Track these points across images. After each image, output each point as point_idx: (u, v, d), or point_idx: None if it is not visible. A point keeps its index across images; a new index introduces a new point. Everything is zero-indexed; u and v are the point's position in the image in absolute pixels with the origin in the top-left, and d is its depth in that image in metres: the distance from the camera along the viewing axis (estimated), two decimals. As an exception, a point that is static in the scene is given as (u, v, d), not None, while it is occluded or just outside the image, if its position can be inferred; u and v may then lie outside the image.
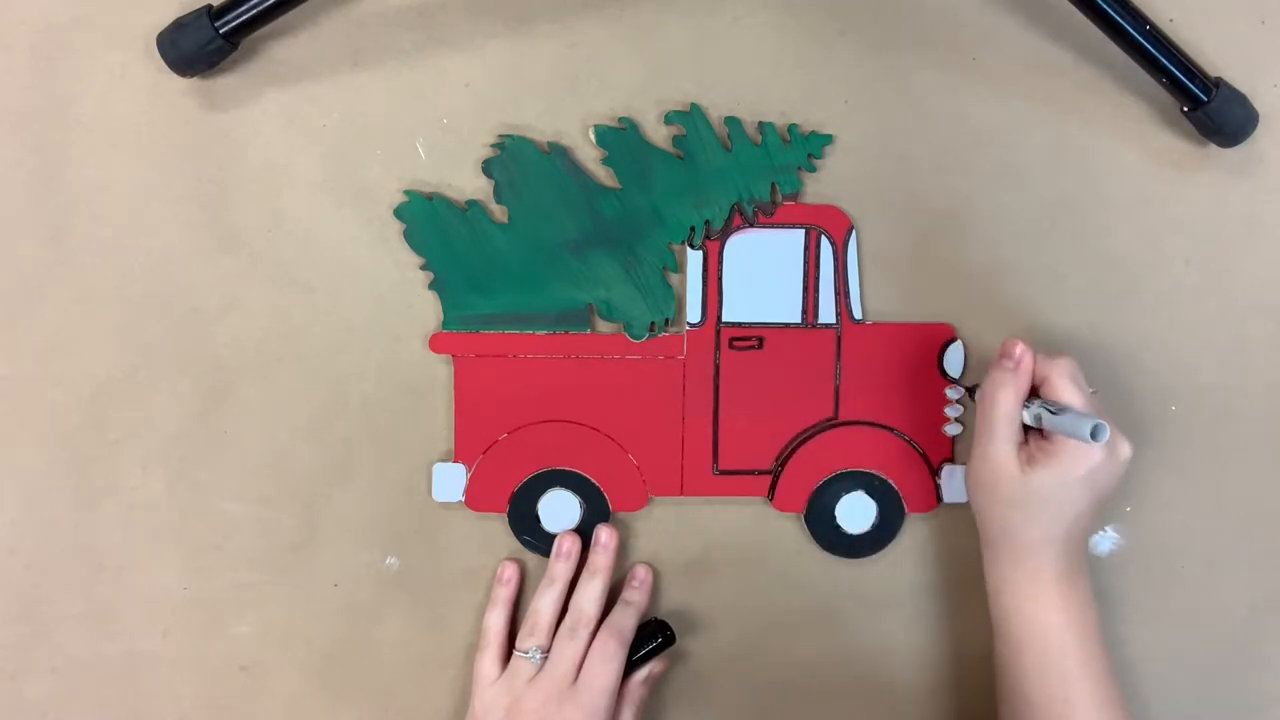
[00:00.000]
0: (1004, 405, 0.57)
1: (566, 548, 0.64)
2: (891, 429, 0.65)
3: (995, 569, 0.60)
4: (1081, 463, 0.56)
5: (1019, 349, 0.58)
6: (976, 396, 0.60)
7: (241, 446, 0.64)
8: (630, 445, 0.65)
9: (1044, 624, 0.58)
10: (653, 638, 0.63)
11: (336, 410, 0.64)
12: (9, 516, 0.64)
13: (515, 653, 0.61)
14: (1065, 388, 0.57)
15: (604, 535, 0.64)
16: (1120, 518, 0.67)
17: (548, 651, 0.60)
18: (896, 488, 0.65)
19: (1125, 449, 0.58)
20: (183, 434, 0.64)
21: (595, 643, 0.60)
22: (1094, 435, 0.53)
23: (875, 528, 0.66)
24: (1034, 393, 0.59)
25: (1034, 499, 0.57)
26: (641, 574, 0.65)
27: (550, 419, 0.64)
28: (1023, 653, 0.58)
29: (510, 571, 0.64)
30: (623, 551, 0.66)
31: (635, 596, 0.63)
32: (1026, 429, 0.58)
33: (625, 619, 0.62)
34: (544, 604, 0.62)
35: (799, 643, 0.66)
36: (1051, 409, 0.56)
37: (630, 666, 0.61)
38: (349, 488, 0.65)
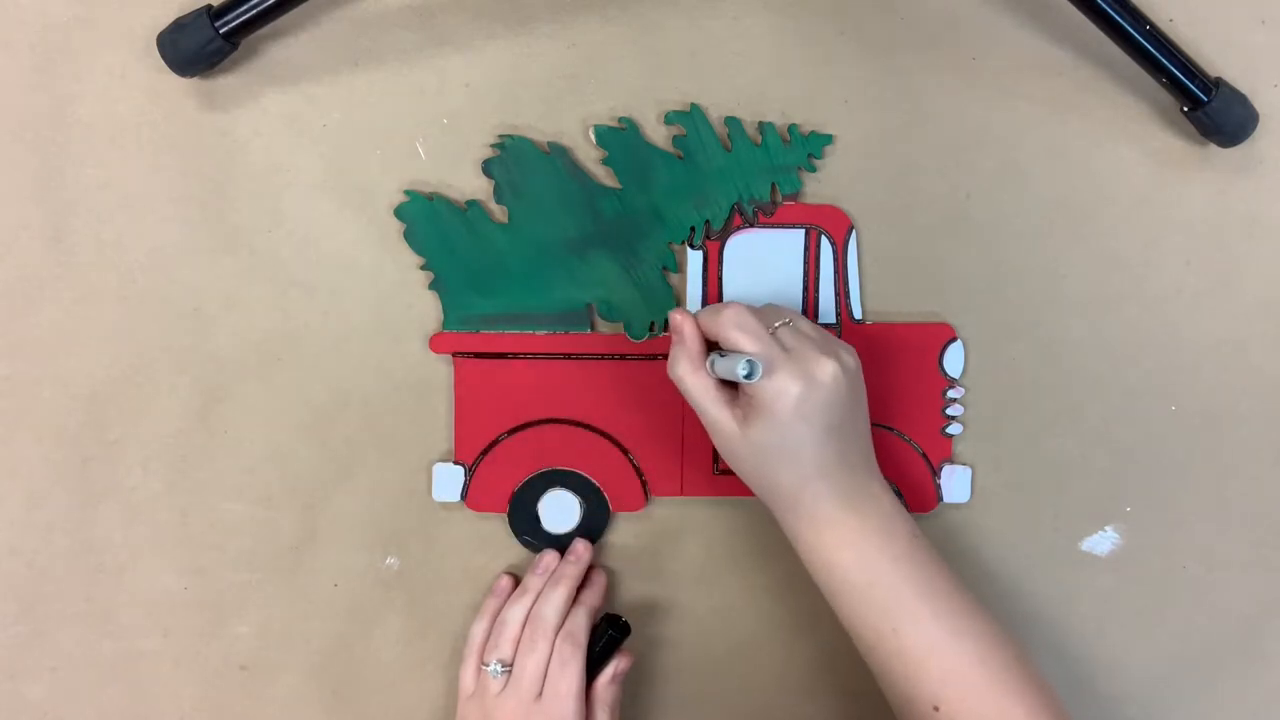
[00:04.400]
0: (688, 378, 0.56)
1: (546, 563, 0.64)
2: (891, 429, 0.65)
3: (785, 529, 0.58)
4: (781, 402, 0.53)
5: (677, 318, 0.57)
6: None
7: (241, 446, 0.64)
8: (630, 445, 0.65)
9: (840, 566, 0.56)
10: (603, 634, 0.61)
11: (336, 410, 0.64)
12: (9, 516, 0.64)
13: (480, 666, 0.61)
14: (733, 338, 0.54)
15: (579, 546, 0.64)
16: (1120, 518, 0.67)
17: (510, 665, 0.60)
18: (896, 488, 0.65)
19: (824, 369, 0.54)
20: (183, 434, 0.64)
21: (553, 651, 0.60)
22: (748, 376, 0.52)
23: (875, 528, 0.66)
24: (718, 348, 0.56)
25: (763, 451, 0.55)
26: (594, 574, 0.64)
27: (550, 419, 0.64)
28: (838, 600, 0.56)
29: (504, 584, 0.64)
30: (624, 552, 0.66)
31: (587, 597, 0.63)
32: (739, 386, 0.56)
33: (577, 622, 0.61)
34: (513, 615, 0.61)
35: (799, 643, 0.66)
36: (721, 355, 0.55)
37: (592, 667, 0.61)
38: (349, 488, 0.65)
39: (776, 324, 0.56)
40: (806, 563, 0.57)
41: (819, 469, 0.55)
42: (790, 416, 0.54)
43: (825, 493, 0.56)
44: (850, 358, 0.57)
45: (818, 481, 0.55)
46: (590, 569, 0.64)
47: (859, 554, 0.56)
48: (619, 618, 0.62)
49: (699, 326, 0.57)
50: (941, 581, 0.56)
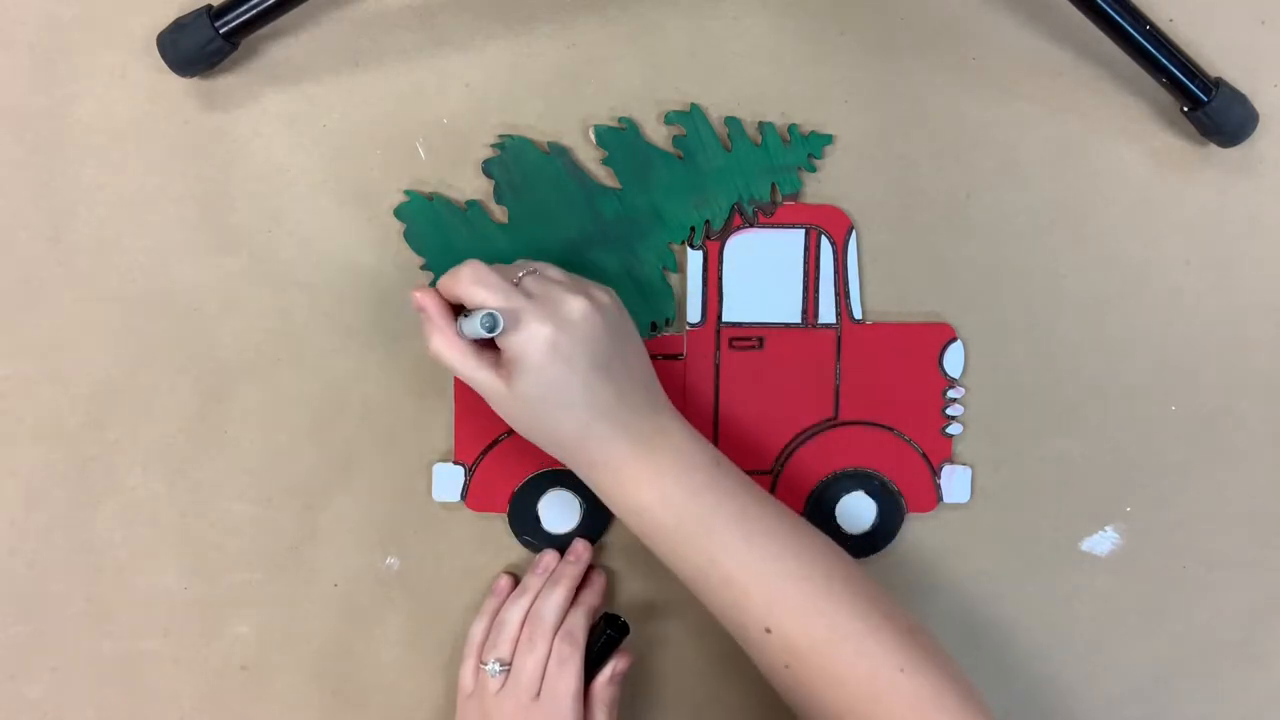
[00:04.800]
0: (443, 350, 0.54)
1: (545, 563, 0.64)
2: (891, 429, 0.65)
3: (588, 482, 0.57)
4: (533, 347, 0.52)
5: (417, 295, 0.55)
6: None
7: (241, 446, 0.64)
8: (630, 445, 0.65)
9: (645, 506, 0.55)
10: (602, 634, 0.61)
11: (336, 410, 0.64)
12: (9, 516, 0.64)
13: (479, 666, 0.61)
14: (473, 295, 0.53)
15: (579, 546, 0.64)
16: (1120, 518, 0.67)
17: (509, 664, 0.60)
18: (896, 488, 0.65)
19: (572, 306, 0.53)
20: (183, 434, 0.64)
21: (551, 651, 0.60)
22: (491, 328, 0.51)
23: (875, 528, 0.66)
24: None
25: (535, 404, 0.53)
26: (593, 574, 0.64)
27: (550, 419, 0.64)
28: (651, 540, 0.56)
29: (504, 584, 0.64)
30: (624, 552, 0.66)
31: (586, 597, 0.62)
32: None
33: (576, 621, 0.61)
34: (512, 615, 0.61)
35: (799, 643, 0.66)
36: (465, 316, 0.54)
37: (591, 667, 0.61)
38: (349, 488, 0.65)
39: (520, 274, 0.55)
40: (614, 510, 0.57)
41: (597, 411, 0.54)
42: (547, 361, 0.52)
43: (610, 434, 0.55)
44: (602, 294, 0.55)
45: (600, 424, 0.54)
46: (590, 569, 0.64)
47: (659, 491, 0.55)
48: (618, 617, 0.62)
49: (440, 296, 0.55)
50: (752, 505, 0.55)
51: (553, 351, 0.52)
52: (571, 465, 0.57)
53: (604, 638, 0.61)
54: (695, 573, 0.55)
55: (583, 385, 0.53)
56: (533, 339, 0.52)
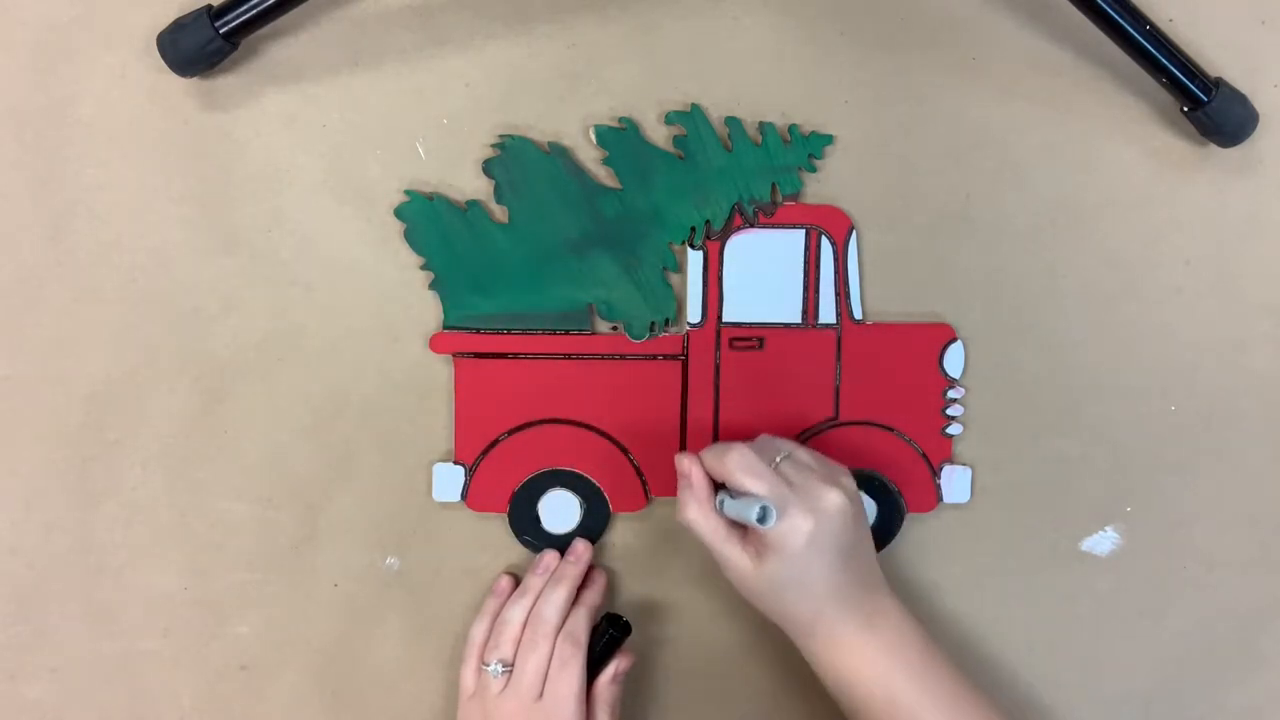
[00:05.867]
0: (697, 521, 0.57)
1: (546, 562, 0.64)
2: (891, 429, 0.65)
3: (802, 648, 0.59)
4: (793, 539, 0.55)
5: (684, 463, 0.58)
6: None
7: (241, 446, 0.64)
8: (630, 445, 0.65)
9: (860, 684, 0.57)
10: (604, 634, 0.62)
11: (336, 410, 0.64)
12: (9, 516, 0.64)
13: (481, 666, 0.61)
14: (741, 482, 0.55)
15: (580, 546, 0.64)
16: (1120, 518, 0.67)
17: (511, 664, 0.60)
18: (896, 488, 0.65)
19: (831, 501, 0.55)
20: (183, 434, 0.64)
21: (554, 651, 0.60)
22: (761, 520, 0.53)
23: (875, 528, 0.65)
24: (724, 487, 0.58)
25: (779, 585, 0.56)
26: (594, 574, 0.64)
27: (550, 419, 0.64)
28: (855, 710, 0.57)
29: (504, 584, 0.64)
30: (624, 552, 0.66)
31: (588, 597, 0.63)
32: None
33: (578, 621, 0.61)
34: (513, 615, 0.61)
35: (799, 643, 0.67)
36: (731, 497, 0.56)
37: (593, 667, 0.61)
38: (349, 488, 0.65)
39: (778, 459, 0.57)
40: (824, 681, 0.58)
41: (834, 594, 0.56)
42: (804, 551, 0.55)
43: (841, 616, 0.57)
44: (848, 480, 0.58)
45: (833, 606, 0.56)
46: (590, 569, 0.64)
47: (876, 670, 0.57)
48: (619, 617, 0.62)
49: (704, 468, 0.58)
50: (957, 691, 0.57)
51: (810, 543, 0.55)
52: (792, 635, 0.58)
53: (606, 637, 0.61)
54: None
55: (826, 572, 0.56)
56: (795, 531, 0.54)
